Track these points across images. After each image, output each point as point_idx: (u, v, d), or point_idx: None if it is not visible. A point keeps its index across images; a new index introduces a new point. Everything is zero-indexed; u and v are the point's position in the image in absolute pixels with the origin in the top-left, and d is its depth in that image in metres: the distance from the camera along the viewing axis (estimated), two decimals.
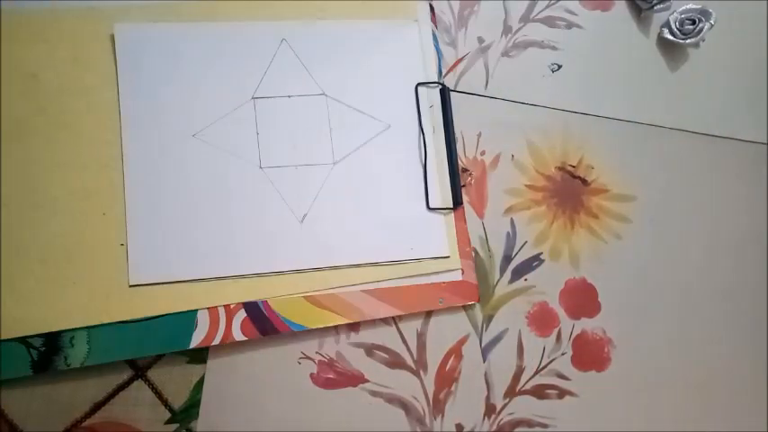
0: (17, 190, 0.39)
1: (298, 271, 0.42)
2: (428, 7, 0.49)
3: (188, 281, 0.40)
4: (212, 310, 0.40)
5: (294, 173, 0.43)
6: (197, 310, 0.40)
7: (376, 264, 0.43)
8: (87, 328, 0.38)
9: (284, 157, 0.43)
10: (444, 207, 0.45)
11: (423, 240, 0.44)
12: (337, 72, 0.46)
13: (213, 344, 0.39)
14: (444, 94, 0.47)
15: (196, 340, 0.39)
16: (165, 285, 0.39)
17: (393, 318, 0.44)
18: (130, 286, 0.39)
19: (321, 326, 0.41)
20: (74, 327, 0.38)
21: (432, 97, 0.47)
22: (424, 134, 0.46)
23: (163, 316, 0.39)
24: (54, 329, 0.37)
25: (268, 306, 0.41)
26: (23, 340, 0.37)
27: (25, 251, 0.38)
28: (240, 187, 0.42)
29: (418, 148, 0.46)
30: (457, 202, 0.46)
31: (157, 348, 0.39)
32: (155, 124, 0.42)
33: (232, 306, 0.40)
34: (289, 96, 0.44)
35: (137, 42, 0.43)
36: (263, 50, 0.45)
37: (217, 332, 0.39)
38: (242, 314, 0.40)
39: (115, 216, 0.40)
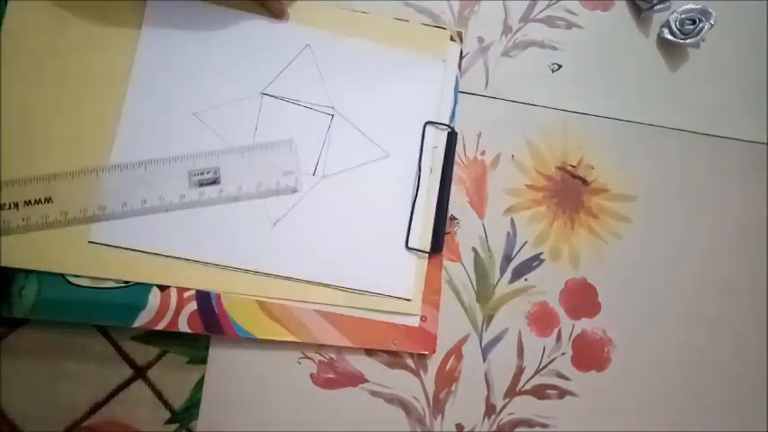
0: (16, 126, 0.40)
1: (256, 272, 0.41)
2: (459, 51, 0.48)
3: (147, 253, 0.40)
4: (164, 295, 0.40)
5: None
6: (149, 291, 0.39)
7: (336, 287, 0.42)
8: (39, 281, 0.38)
9: None
10: (423, 250, 0.44)
11: (389, 277, 0.43)
12: (351, 90, 0.45)
13: (156, 328, 0.39)
14: (451, 138, 0.46)
15: (141, 320, 0.39)
16: (123, 251, 0.39)
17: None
18: (89, 242, 0.39)
19: (269, 338, 0.41)
20: (24, 267, 0.38)
21: (438, 139, 0.46)
22: (420, 172, 0.45)
23: (114, 289, 0.39)
24: (3, 264, 0.38)
25: (220, 303, 0.40)
26: None
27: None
28: (225, 175, 0.41)
29: (411, 184, 0.45)
30: (437, 248, 0.44)
31: (101, 319, 0.39)
32: (160, 94, 0.42)
33: (185, 295, 0.40)
34: (297, 102, 0.44)
35: (165, 16, 0.42)
36: (284, 50, 0.44)
37: (163, 318, 0.39)
38: (192, 306, 0.40)
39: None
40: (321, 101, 0.45)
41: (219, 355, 0.41)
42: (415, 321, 0.43)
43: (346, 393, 0.42)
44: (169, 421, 0.39)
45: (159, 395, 0.40)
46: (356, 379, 0.42)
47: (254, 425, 0.40)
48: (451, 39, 0.48)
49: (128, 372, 0.39)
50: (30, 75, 0.40)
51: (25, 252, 0.38)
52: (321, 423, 0.41)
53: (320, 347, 0.42)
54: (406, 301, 0.43)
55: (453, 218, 0.46)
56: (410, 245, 0.44)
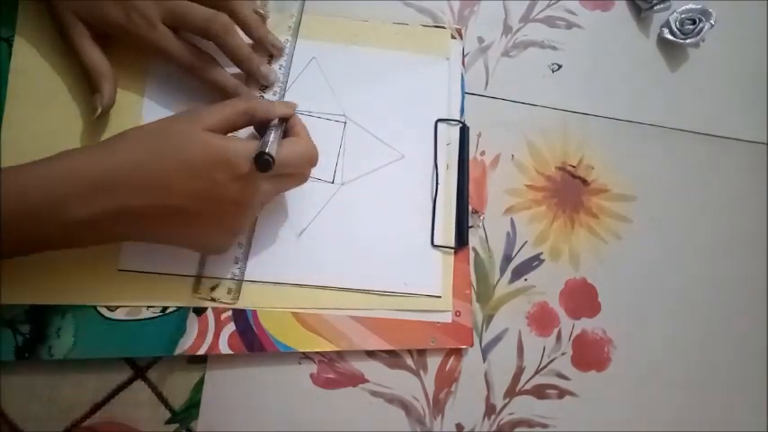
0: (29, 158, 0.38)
1: (287, 284, 0.41)
2: (461, 48, 0.49)
3: (177, 275, 0.40)
4: (201, 319, 0.40)
5: (300, 187, 0.43)
6: (186, 317, 0.39)
7: (367, 291, 0.42)
8: (75, 320, 0.38)
9: None
10: (448, 246, 0.45)
11: (417, 276, 0.44)
12: (361, 96, 0.45)
13: (198, 353, 0.39)
14: (464, 133, 0.47)
15: (181, 348, 0.39)
16: (154, 276, 0.39)
17: None
18: (119, 270, 0.39)
19: (309, 350, 0.41)
20: (56, 303, 0.38)
21: (451, 135, 0.47)
22: (437, 170, 0.46)
23: (151, 319, 0.39)
24: (43, 302, 0.37)
25: (257, 320, 0.40)
26: (11, 325, 0.37)
27: None
28: None
29: (429, 182, 0.46)
30: (462, 242, 0.45)
31: (142, 351, 0.39)
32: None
33: (223, 317, 0.40)
34: (309, 113, 0.44)
35: None
36: (291, 65, 0.44)
37: (204, 342, 0.39)
38: (231, 327, 0.40)
39: None
40: (332, 110, 0.45)
41: (219, 356, 0.41)
42: (448, 317, 0.44)
43: (346, 393, 0.42)
44: (169, 421, 0.39)
45: (159, 395, 0.40)
46: (356, 379, 0.42)
47: (254, 425, 0.40)
48: (452, 37, 0.49)
49: (128, 372, 0.39)
50: (39, 111, 0.40)
51: (56, 288, 0.38)
52: (321, 423, 0.41)
53: None
54: (436, 299, 0.44)
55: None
56: (435, 242, 0.44)
